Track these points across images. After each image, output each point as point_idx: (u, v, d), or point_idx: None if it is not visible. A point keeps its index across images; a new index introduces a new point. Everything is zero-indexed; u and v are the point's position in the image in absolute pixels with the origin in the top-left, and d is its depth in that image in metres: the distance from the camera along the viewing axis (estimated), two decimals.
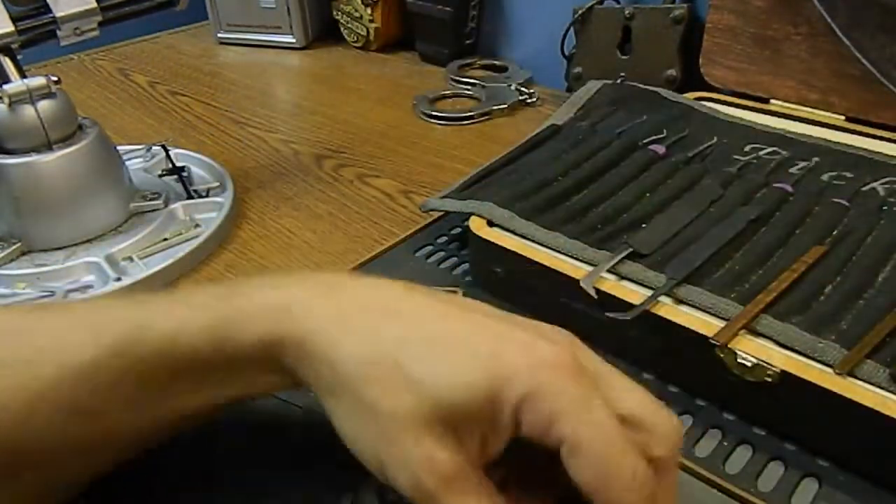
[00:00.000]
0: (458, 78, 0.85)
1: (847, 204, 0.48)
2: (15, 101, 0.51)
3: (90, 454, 0.29)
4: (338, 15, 0.98)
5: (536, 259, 0.44)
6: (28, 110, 0.52)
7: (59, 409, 0.27)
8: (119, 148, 0.60)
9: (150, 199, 0.59)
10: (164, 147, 0.68)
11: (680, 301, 0.40)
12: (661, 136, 0.58)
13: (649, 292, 0.41)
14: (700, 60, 0.69)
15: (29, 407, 0.26)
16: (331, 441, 0.27)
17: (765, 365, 0.35)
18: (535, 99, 0.80)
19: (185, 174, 0.65)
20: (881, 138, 0.58)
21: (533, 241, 0.46)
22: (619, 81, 0.69)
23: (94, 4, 0.53)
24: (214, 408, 0.29)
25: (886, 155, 0.55)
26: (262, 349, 0.26)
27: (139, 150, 0.69)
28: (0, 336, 0.28)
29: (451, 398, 0.23)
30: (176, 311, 0.28)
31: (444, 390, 0.24)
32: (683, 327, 0.38)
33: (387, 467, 0.24)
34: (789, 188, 0.50)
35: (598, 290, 0.41)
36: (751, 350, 0.36)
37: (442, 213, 0.56)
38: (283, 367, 0.27)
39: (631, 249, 0.44)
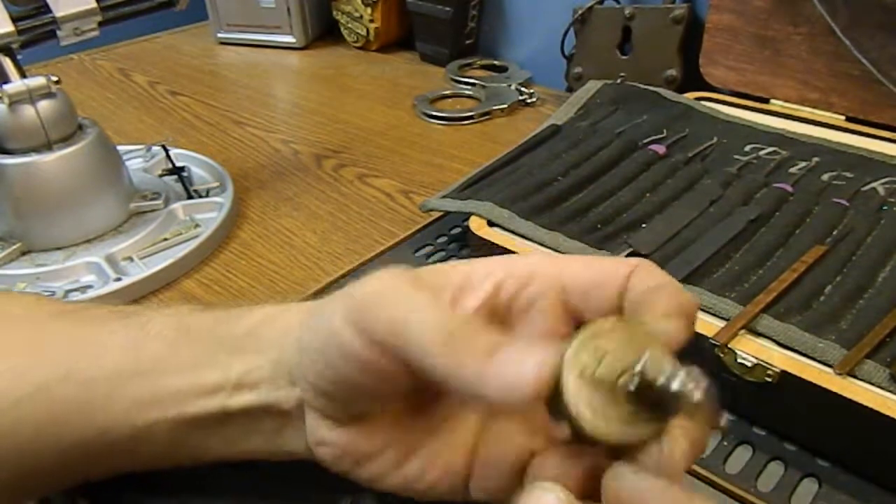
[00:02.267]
0: (458, 78, 0.86)
1: (847, 204, 0.48)
2: (15, 101, 0.51)
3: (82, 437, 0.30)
4: (338, 15, 0.98)
5: None
6: (28, 110, 0.52)
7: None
8: (119, 148, 0.60)
9: (150, 199, 0.59)
10: (164, 147, 0.68)
11: None
12: (661, 136, 0.58)
13: None
14: (700, 60, 0.69)
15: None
16: None
17: (765, 365, 0.35)
18: (535, 99, 0.80)
19: (185, 174, 0.65)
20: (881, 138, 0.58)
21: (533, 241, 0.46)
22: (619, 81, 0.69)
23: (94, 4, 0.53)
24: (176, 419, 0.29)
25: (886, 155, 0.55)
26: (248, 333, 0.29)
27: (139, 150, 0.69)
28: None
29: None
30: (201, 306, 0.31)
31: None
32: None
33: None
34: (789, 188, 0.50)
35: None
36: (751, 350, 0.36)
37: (442, 213, 0.56)
38: (270, 338, 0.28)
39: (631, 249, 0.44)
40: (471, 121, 0.77)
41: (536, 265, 0.26)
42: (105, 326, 0.30)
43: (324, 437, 0.27)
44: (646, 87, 0.67)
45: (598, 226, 0.48)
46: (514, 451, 0.25)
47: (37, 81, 0.52)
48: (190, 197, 0.61)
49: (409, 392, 0.25)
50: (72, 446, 0.29)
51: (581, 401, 0.20)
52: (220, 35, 1.02)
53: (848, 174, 0.52)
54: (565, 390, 0.20)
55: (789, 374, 0.35)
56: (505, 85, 0.82)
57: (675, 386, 0.19)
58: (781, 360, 0.36)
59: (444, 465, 0.26)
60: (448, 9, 0.87)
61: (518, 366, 0.20)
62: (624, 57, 0.75)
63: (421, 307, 0.23)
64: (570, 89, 0.80)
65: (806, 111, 0.63)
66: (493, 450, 0.26)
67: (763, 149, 0.56)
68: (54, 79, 0.53)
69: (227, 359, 0.29)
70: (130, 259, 0.54)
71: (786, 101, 0.65)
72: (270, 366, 0.28)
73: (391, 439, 0.26)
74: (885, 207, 0.48)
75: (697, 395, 0.19)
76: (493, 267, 0.26)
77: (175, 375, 0.29)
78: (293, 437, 0.29)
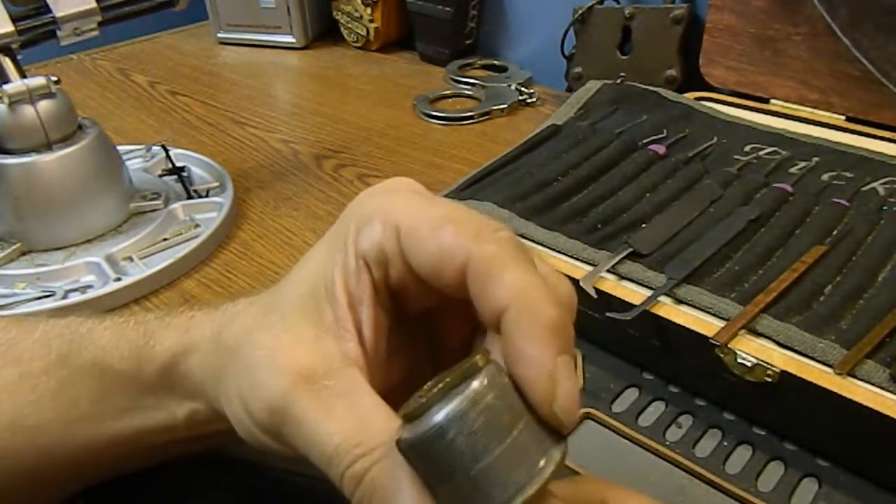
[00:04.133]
0: (458, 78, 0.85)
1: (847, 204, 0.48)
2: (15, 101, 0.51)
3: (24, 480, 0.29)
4: (338, 15, 0.98)
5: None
6: (28, 110, 0.52)
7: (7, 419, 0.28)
8: (119, 148, 0.60)
9: (150, 199, 0.59)
10: (164, 147, 0.68)
11: (680, 301, 0.40)
12: (661, 136, 0.58)
13: (649, 292, 0.41)
14: (700, 60, 0.69)
15: None
16: None
17: (765, 365, 0.35)
18: (535, 99, 0.80)
19: (185, 174, 0.65)
20: (881, 138, 0.58)
21: (532, 240, 0.46)
22: (619, 81, 0.69)
23: (94, 4, 0.54)
24: (142, 448, 0.29)
25: (886, 155, 0.55)
26: (166, 375, 0.27)
27: (139, 150, 0.69)
28: None
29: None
30: (111, 331, 0.29)
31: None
32: (683, 327, 0.38)
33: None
34: (789, 188, 0.50)
35: (598, 290, 0.41)
36: (751, 350, 0.36)
37: None
38: (193, 384, 0.26)
39: (631, 249, 0.44)
40: (471, 121, 0.77)
41: (384, 244, 0.22)
42: (32, 364, 0.29)
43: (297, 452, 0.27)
44: (646, 87, 0.67)
45: (598, 226, 0.48)
46: None
47: (37, 81, 0.52)
48: (190, 197, 0.61)
49: None
50: (51, 482, 0.29)
51: None
52: (220, 35, 1.02)
53: (848, 174, 0.52)
54: None
55: (789, 374, 0.35)
56: (505, 85, 0.82)
57: None
58: (781, 360, 0.36)
59: None
60: (448, 9, 0.87)
61: None
62: (624, 57, 0.75)
63: (311, 441, 0.21)
64: (570, 89, 0.80)
65: (806, 111, 0.63)
66: None
67: (763, 149, 0.56)
68: (54, 79, 0.53)
69: (160, 402, 0.28)
70: (130, 259, 0.54)
71: (786, 101, 0.65)
72: (210, 410, 0.26)
73: None
74: (885, 207, 0.48)
75: None
76: (358, 252, 0.23)
77: (120, 419, 0.28)
78: None
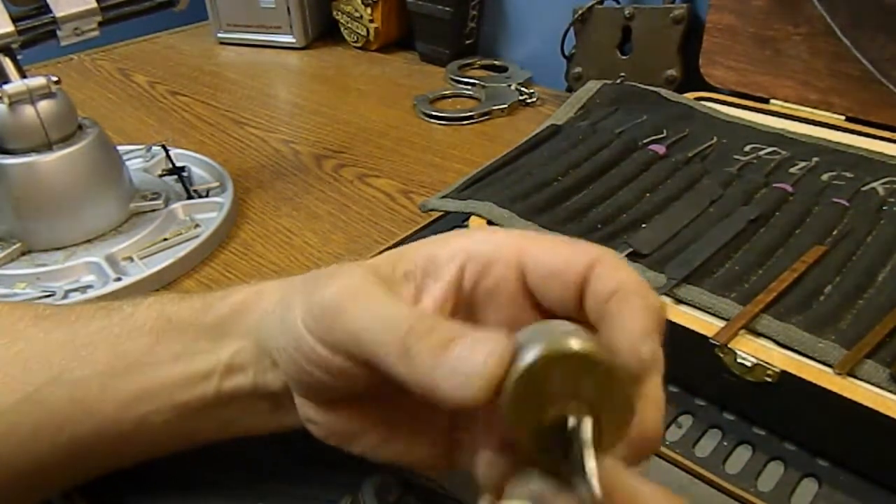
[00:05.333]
0: (458, 78, 0.86)
1: (847, 204, 0.48)
2: (15, 101, 0.51)
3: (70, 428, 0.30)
4: (338, 15, 0.98)
5: None
6: (28, 110, 0.52)
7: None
8: (119, 148, 0.60)
9: (150, 199, 0.59)
10: (164, 147, 0.68)
11: (680, 301, 0.41)
12: (661, 136, 0.58)
13: None
14: (700, 60, 0.69)
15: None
16: None
17: (765, 365, 0.35)
18: (535, 99, 0.80)
19: (185, 174, 0.65)
20: (881, 138, 0.58)
21: None
22: (619, 81, 0.69)
23: (94, 4, 0.53)
24: (169, 408, 0.29)
25: (886, 155, 0.55)
26: (228, 319, 0.29)
27: (139, 150, 0.69)
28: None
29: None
30: (182, 296, 0.31)
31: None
32: (683, 327, 0.38)
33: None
34: (789, 188, 0.50)
35: None
36: (751, 350, 0.36)
37: (442, 213, 0.56)
38: (248, 323, 0.29)
39: (631, 249, 0.44)
40: (471, 121, 0.77)
41: (498, 247, 0.25)
42: (90, 324, 0.31)
43: (310, 416, 0.27)
44: (646, 87, 0.67)
45: (598, 226, 0.48)
46: (485, 436, 0.25)
47: (37, 81, 0.52)
48: (190, 197, 0.61)
49: (381, 384, 0.26)
50: (69, 445, 0.29)
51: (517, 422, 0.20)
52: (220, 35, 1.02)
53: (848, 174, 0.52)
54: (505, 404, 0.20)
55: (789, 374, 0.35)
56: (505, 85, 0.82)
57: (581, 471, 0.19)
58: (781, 360, 0.36)
59: (426, 445, 0.27)
60: (448, 9, 0.87)
61: (466, 364, 0.21)
62: (624, 57, 0.75)
63: (377, 314, 0.23)
64: (570, 89, 0.80)
65: (806, 111, 0.63)
66: (468, 434, 0.26)
67: (763, 149, 0.56)
68: (54, 79, 0.53)
69: (214, 345, 0.29)
70: (130, 259, 0.54)
71: (786, 101, 0.65)
72: (254, 348, 0.28)
73: (372, 422, 0.27)
74: (884, 207, 0.48)
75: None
76: (455, 249, 0.26)
77: (165, 366, 0.29)
78: (286, 415, 0.29)
